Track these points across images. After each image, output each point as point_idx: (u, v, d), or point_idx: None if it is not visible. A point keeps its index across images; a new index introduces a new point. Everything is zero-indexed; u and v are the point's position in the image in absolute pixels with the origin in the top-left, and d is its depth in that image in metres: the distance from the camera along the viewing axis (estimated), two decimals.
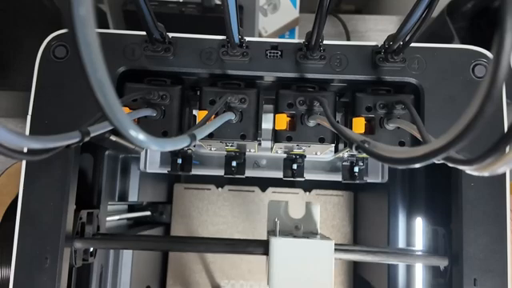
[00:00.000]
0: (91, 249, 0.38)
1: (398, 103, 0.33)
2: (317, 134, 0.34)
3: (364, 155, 0.39)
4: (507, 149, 0.14)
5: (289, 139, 0.34)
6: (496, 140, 0.15)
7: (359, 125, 0.33)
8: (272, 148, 0.37)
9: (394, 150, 0.20)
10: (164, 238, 0.36)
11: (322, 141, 0.34)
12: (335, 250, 0.33)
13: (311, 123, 0.33)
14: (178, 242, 0.38)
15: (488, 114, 0.13)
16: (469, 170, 0.17)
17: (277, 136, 0.34)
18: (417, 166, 0.17)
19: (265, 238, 0.36)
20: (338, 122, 0.37)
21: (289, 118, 0.34)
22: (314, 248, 0.33)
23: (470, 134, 0.14)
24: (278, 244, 0.33)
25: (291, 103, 0.34)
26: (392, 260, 0.36)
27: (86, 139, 0.24)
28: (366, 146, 0.22)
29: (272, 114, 0.35)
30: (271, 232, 0.36)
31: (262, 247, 0.34)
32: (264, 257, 0.35)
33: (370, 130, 0.34)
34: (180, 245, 0.37)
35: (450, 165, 0.18)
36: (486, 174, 0.16)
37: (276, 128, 0.34)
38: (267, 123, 0.38)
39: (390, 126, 0.33)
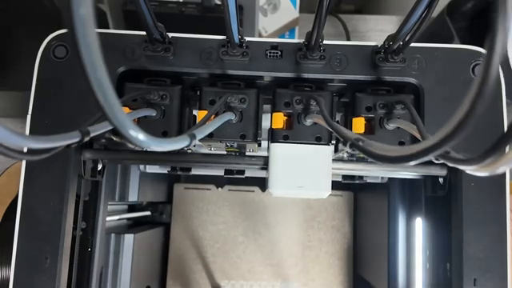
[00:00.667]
0: (99, 167, 0.38)
1: (398, 103, 0.33)
2: (313, 133, 0.34)
3: (364, 155, 0.39)
4: (507, 149, 0.14)
5: (285, 138, 0.34)
6: (496, 140, 0.15)
7: (359, 125, 0.33)
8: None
9: (387, 149, 0.20)
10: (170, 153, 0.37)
11: (318, 140, 0.34)
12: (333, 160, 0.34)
13: (308, 122, 0.33)
14: (181, 155, 0.38)
15: (479, 112, 0.13)
16: (469, 169, 0.17)
17: (274, 135, 0.34)
18: (411, 163, 0.17)
19: (265, 239, 0.36)
20: (337, 121, 0.37)
21: (286, 117, 0.34)
22: (312, 152, 0.34)
23: (461, 132, 0.14)
24: (277, 148, 0.34)
25: (288, 102, 0.34)
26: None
27: (86, 139, 0.24)
28: (360, 144, 0.22)
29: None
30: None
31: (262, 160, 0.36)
32: (263, 257, 0.35)
33: (369, 129, 0.34)
34: (182, 157, 0.38)
35: (450, 164, 0.18)
36: (485, 173, 0.16)
37: (273, 127, 0.34)
38: (267, 123, 0.38)
39: (390, 126, 0.33)
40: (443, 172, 0.35)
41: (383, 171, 0.38)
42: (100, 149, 0.37)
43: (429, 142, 0.15)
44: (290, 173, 0.33)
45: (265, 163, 0.35)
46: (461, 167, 0.17)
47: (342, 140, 0.25)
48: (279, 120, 0.34)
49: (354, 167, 0.37)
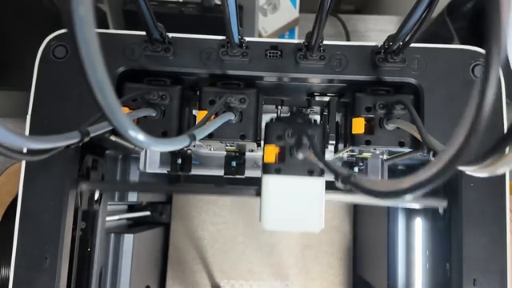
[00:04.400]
0: (96, 196, 0.38)
1: (398, 103, 0.33)
2: (305, 167, 0.33)
3: (364, 155, 0.39)
4: (507, 150, 0.14)
5: (277, 171, 0.33)
6: (495, 141, 0.14)
7: (359, 125, 0.33)
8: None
9: (379, 184, 0.19)
10: (166, 183, 0.37)
11: (310, 173, 0.33)
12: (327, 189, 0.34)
13: (300, 156, 0.33)
14: (178, 186, 0.38)
15: (473, 148, 0.13)
16: (468, 170, 0.16)
17: (265, 168, 0.33)
18: (406, 198, 0.16)
19: (265, 239, 0.36)
20: (337, 122, 0.37)
21: (278, 149, 0.33)
22: (305, 185, 0.33)
23: (457, 165, 0.13)
24: (269, 181, 0.33)
25: (280, 136, 0.33)
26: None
27: (86, 139, 0.24)
28: (352, 179, 0.21)
29: (270, 114, 0.35)
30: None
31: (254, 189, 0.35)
32: (263, 256, 0.35)
33: (369, 130, 0.34)
34: (180, 187, 0.38)
35: None
36: (485, 174, 0.16)
37: (265, 161, 0.33)
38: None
39: (390, 127, 0.33)
40: None
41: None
42: (95, 181, 0.37)
43: (423, 174, 0.15)
44: (282, 209, 0.32)
45: (257, 192, 0.35)
46: (461, 168, 0.17)
47: (333, 175, 0.25)
48: (271, 153, 0.33)
49: (348, 198, 0.37)
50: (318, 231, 0.33)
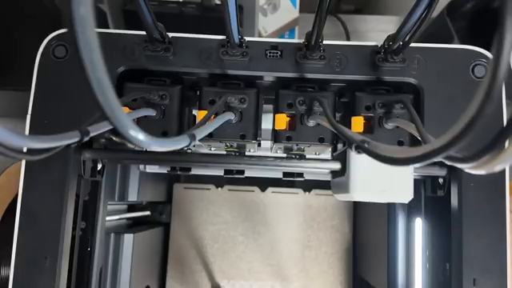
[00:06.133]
0: (99, 166, 0.38)
1: (397, 102, 0.33)
2: (316, 134, 0.34)
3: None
4: (506, 143, 0.14)
5: (289, 139, 0.34)
6: (492, 138, 0.15)
7: (358, 124, 0.33)
8: (272, 148, 0.37)
9: (393, 150, 0.20)
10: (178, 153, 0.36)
11: (321, 141, 0.34)
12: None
13: (311, 123, 0.33)
14: (181, 155, 0.37)
15: (487, 114, 0.13)
16: (466, 167, 0.17)
17: (277, 136, 0.34)
18: (417, 165, 0.17)
19: (265, 239, 0.36)
20: (337, 121, 0.37)
21: (288, 118, 0.34)
22: None
23: (469, 134, 0.14)
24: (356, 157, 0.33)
25: (291, 103, 0.34)
26: None
27: (86, 139, 0.24)
28: (366, 145, 0.22)
29: (272, 114, 0.35)
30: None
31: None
32: (263, 256, 0.35)
33: (368, 129, 0.34)
34: (182, 157, 0.37)
35: (448, 163, 0.18)
36: (483, 171, 0.16)
37: (276, 128, 0.34)
38: (267, 123, 0.38)
39: (389, 126, 0.33)
40: (443, 172, 0.35)
41: None
42: (99, 148, 0.37)
43: (436, 143, 0.15)
44: (371, 176, 0.32)
45: (264, 163, 0.35)
46: (458, 165, 0.17)
47: (346, 142, 0.25)
48: (282, 121, 0.34)
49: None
50: (407, 201, 0.32)
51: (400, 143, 0.33)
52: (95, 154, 0.36)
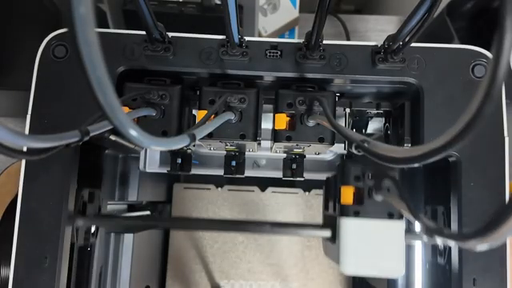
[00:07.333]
0: (93, 229, 0.38)
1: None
2: (316, 134, 0.34)
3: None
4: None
5: (288, 139, 0.34)
6: (494, 214, 0.15)
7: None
8: (272, 148, 0.37)
9: (393, 150, 0.20)
10: (170, 218, 0.36)
11: (321, 140, 0.34)
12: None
13: (311, 123, 0.33)
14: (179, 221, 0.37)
15: (487, 114, 0.13)
16: (467, 246, 0.17)
17: (276, 136, 0.34)
18: (416, 165, 0.17)
19: (265, 239, 0.36)
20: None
21: (288, 118, 0.34)
22: (384, 228, 0.31)
23: (469, 133, 0.14)
24: (348, 223, 0.31)
25: (291, 103, 0.34)
26: None
27: (86, 138, 0.24)
28: (366, 145, 0.22)
29: (272, 114, 0.35)
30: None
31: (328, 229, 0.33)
32: (263, 256, 0.35)
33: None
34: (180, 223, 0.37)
35: (445, 241, 0.18)
36: (485, 248, 0.16)
37: (275, 128, 0.34)
38: (267, 123, 0.38)
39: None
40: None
41: None
42: (92, 216, 0.37)
43: (436, 143, 0.15)
44: (361, 252, 0.31)
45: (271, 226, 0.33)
46: (459, 244, 0.17)
47: (346, 141, 0.25)
48: (282, 121, 0.34)
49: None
50: (399, 277, 0.31)
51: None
52: (88, 221, 0.36)
